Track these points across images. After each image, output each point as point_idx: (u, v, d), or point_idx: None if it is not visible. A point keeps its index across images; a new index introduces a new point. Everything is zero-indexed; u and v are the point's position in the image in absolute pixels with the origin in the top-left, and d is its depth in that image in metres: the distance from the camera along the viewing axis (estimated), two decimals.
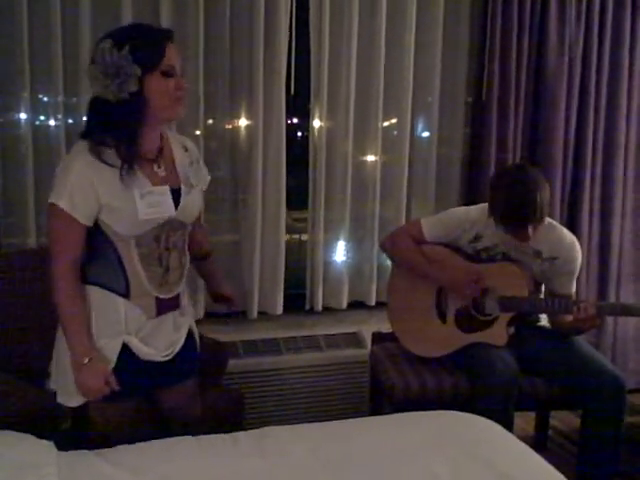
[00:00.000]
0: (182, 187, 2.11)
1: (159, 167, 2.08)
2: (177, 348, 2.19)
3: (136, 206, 1.99)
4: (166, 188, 2.07)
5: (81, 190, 1.95)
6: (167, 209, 2.06)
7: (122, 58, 1.91)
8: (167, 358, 2.15)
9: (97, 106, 1.99)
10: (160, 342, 2.14)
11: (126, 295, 2.06)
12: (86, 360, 1.98)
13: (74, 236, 2.00)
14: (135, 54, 1.92)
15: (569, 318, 2.81)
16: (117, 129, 1.97)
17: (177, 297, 2.18)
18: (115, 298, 2.05)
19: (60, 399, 2.12)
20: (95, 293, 2.05)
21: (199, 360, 2.37)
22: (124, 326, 2.07)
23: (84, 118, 2.10)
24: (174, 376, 2.22)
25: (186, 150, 2.20)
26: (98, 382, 2.00)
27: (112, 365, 2.05)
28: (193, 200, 2.16)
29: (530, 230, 2.69)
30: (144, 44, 1.96)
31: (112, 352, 2.06)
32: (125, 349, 2.07)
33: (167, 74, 1.99)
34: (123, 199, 1.98)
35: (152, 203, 2.02)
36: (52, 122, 3.20)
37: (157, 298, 2.11)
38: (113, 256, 2.04)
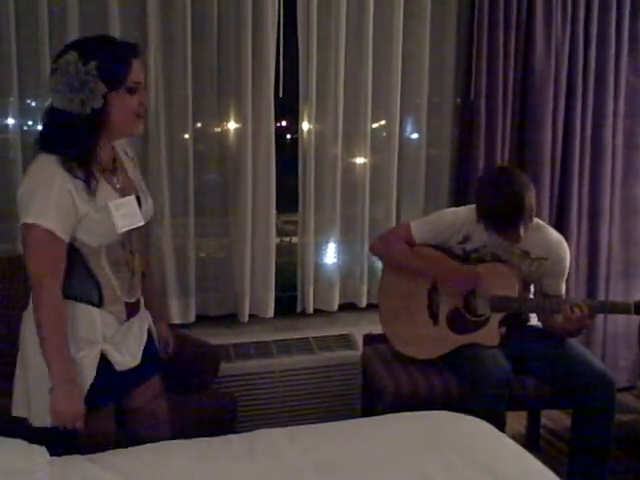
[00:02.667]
0: (140, 194, 2.15)
1: (117, 178, 2.09)
2: (141, 350, 2.19)
3: (113, 219, 2.00)
4: (133, 198, 2.09)
5: (65, 207, 1.92)
6: (138, 219, 2.09)
7: (88, 73, 1.89)
8: (136, 363, 2.15)
9: (56, 117, 1.95)
10: (130, 346, 2.15)
11: (99, 304, 2.05)
12: (66, 386, 1.96)
13: (59, 256, 1.97)
14: (101, 70, 1.90)
15: (560, 319, 2.81)
16: (76, 142, 1.95)
17: (139, 300, 2.20)
18: (89, 309, 2.04)
19: (38, 422, 2.04)
20: (70, 306, 2.02)
21: (183, 361, 2.38)
22: (100, 336, 2.06)
23: (39, 127, 2.07)
24: (141, 375, 2.22)
25: (127, 155, 2.21)
26: (75, 408, 1.98)
27: (92, 376, 2.04)
28: (149, 205, 2.19)
29: (522, 230, 2.70)
30: (111, 60, 1.93)
31: (91, 363, 2.04)
32: (101, 358, 2.06)
33: (132, 90, 1.98)
34: (100, 213, 1.98)
35: (125, 215, 2.04)
36: (40, 127, 3.18)
37: (126, 303, 2.12)
38: (82, 267, 2.02)
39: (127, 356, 2.12)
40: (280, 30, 3.40)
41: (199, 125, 3.44)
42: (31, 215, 1.92)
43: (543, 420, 3.47)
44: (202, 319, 3.51)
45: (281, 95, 3.45)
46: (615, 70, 3.77)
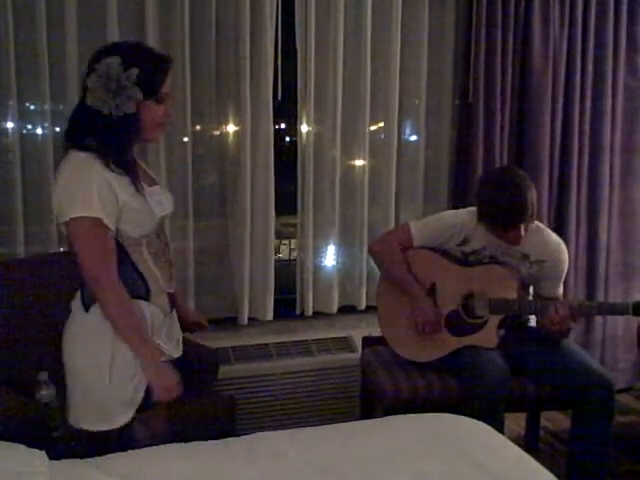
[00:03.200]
0: (159, 185, 2.22)
1: (139, 172, 2.14)
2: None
3: (150, 206, 2.06)
4: (158, 187, 2.17)
5: (107, 196, 1.96)
6: (167, 206, 2.17)
7: (127, 79, 1.94)
8: (180, 354, 2.22)
9: (87, 115, 1.99)
10: (173, 338, 2.20)
11: (147, 297, 2.09)
12: (159, 363, 2.04)
13: (110, 245, 2.01)
14: (141, 78, 1.96)
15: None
16: (107, 141, 1.99)
17: (176, 290, 2.25)
18: (139, 303, 2.08)
19: (100, 427, 2.08)
20: None
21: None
22: (150, 329, 2.10)
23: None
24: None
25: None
26: (174, 380, 2.06)
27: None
28: (169, 195, 2.24)
29: (522, 231, 2.71)
30: (151, 71, 2.00)
31: None
32: None
33: (160, 100, 2.04)
34: (138, 202, 2.03)
35: (157, 202, 2.10)
36: (39, 130, 3.20)
37: (168, 294, 2.17)
38: (127, 261, 2.06)
39: (172, 346, 2.18)
40: (278, 33, 3.40)
41: (198, 128, 3.44)
42: (76, 209, 1.95)
43: (542, 421, 3.47)
44: None
45: (280, 97, 3.45)
46: (613, 72, 3.78)
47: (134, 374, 2.04)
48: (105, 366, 2.02)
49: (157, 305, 2.11)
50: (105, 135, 1.99)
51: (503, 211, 2.69)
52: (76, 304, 2.09)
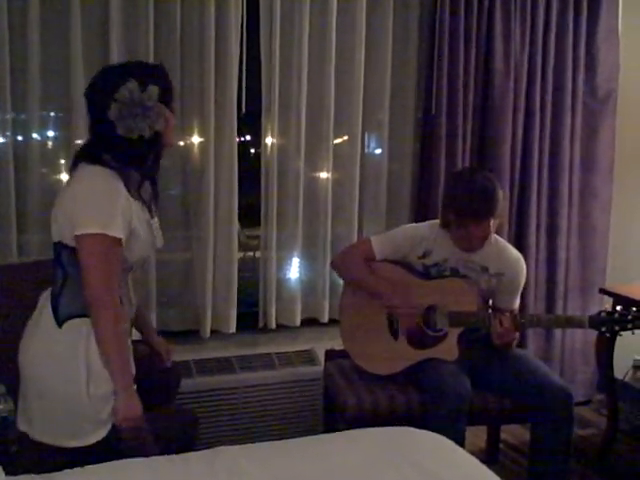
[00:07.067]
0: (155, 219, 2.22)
1: None
2: None
3: (154, 234, 2.12)
4: (156, 220, 2.20)
5: (127, 219, 1.99)
6: (160, 239, 2.20)
7: (150, 99, 1.98)
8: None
9: (120, 142, 2.00)
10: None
11: None
12: (130, 392, 2.04)
13: (119, 263, 2.02)
14: (161, 94, 2.01)
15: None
16: (144, 163, 2.05)
17: None
18: None
19: (70, 443, 2.06)
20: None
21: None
22: None
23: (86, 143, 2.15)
24: None
25: None
26: (139, 411, 2.07)
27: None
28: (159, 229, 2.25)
29: (490, 228, 2.74)
30: (165, 84, 2.06)
31: None
32: None
33: (171, 109, 2.11)
34: (145, 231, 2.07)
35: (157, 233, 2.16)
36: (0, 139, 3.15)
37: (130, 319, 2.21)
38: None
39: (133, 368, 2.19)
40: (243, 45, 3.40)
41: None
42: (99, 225, 1.95)
43: (502, 435, 3.50)
44: (163, 334, 3.44)
45: (244, 110, 3.44)
46: (572, 90, 3.84)
47: (112, 392, 2.04)
48: (82, 383, 2.01)
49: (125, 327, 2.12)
50: (143, 157, 2.04)
51: (472, 200, 2.72)
52: (45, 319, 2.06)
